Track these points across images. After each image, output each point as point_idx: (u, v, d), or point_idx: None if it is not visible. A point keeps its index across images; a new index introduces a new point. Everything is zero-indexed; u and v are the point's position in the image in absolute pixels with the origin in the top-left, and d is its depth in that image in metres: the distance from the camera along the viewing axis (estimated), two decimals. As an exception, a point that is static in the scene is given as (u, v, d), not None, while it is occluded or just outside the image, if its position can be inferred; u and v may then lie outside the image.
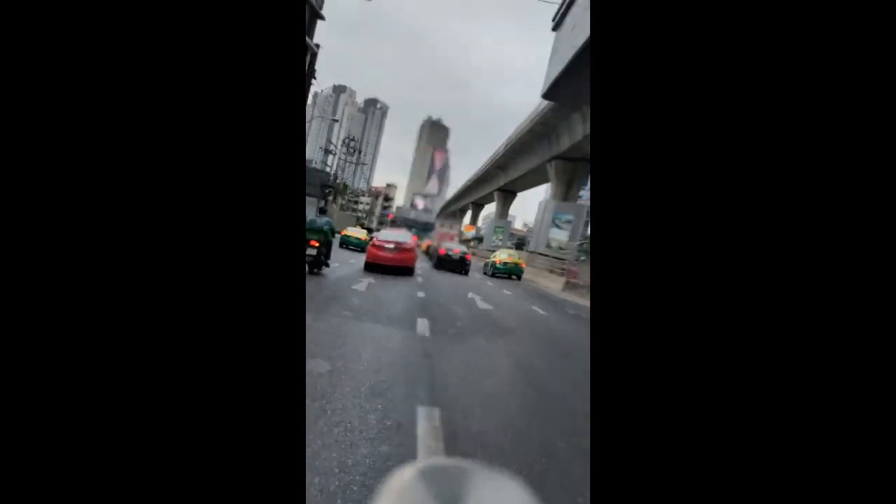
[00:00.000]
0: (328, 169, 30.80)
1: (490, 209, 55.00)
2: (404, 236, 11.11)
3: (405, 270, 10.48)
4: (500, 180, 36.05)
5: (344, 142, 32.41)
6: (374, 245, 10.36)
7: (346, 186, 50.03)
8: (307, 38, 11.39)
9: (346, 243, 19.14)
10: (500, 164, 33.77)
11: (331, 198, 28.27)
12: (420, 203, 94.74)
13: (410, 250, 10.52)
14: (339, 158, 29.55)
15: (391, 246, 10.31)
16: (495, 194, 39.16)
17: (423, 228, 53.12)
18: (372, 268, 10.15)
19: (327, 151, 29.48)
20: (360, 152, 30.59)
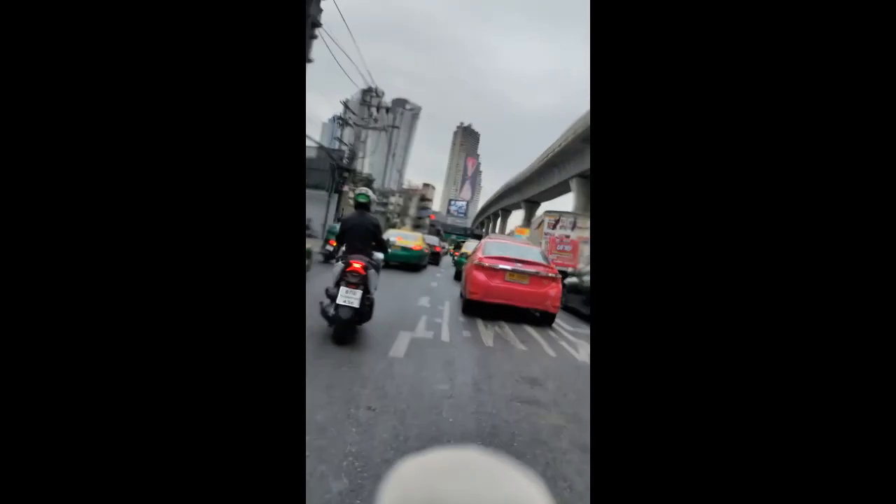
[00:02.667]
0: (343, 147, 21.49)
1: (518, 216, 59.58)
2: (531, 252, 6.79)
3: (544, 318, 6.23)
4: (527, 192, 40.80)
5: (364, 98, 21.29)
6: (481, 267, 6.03)
7: (370, 181, 40.11)
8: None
9: (390, 258, 15.61)
10: (528, 179, 38.55)
11: (347, 187, 20.68)
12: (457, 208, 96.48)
13: (553, 282, 6.11)
14: (357, 122, 20.83)
15: (518, 269, 5.98)
16: (522, 204, 43.94)
17: (461, 234, 56.73)
18: (476, 309, 6.15)
19: (343, 122, 19.93)
20: (389, 112, 22.26)
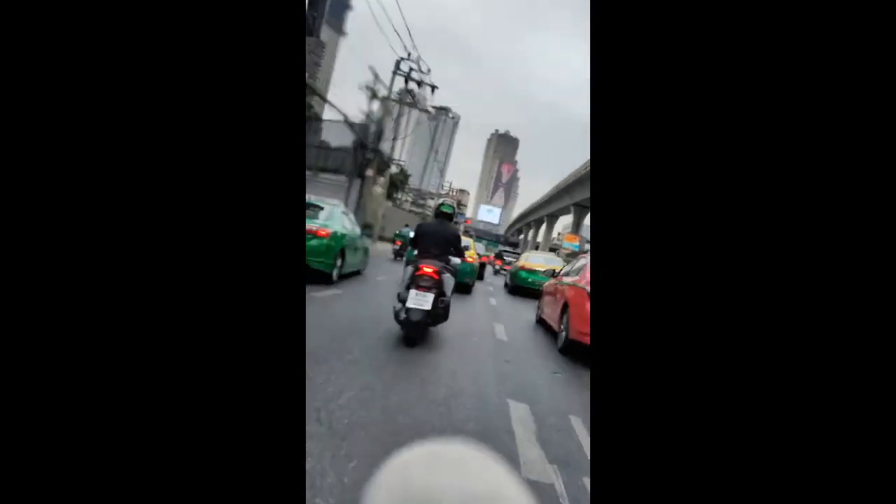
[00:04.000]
0: (370, 121, 17.29)
1: (565, 221, 55.43)
2: None
3: None
4: (578, 194, 36.94)
5: (398, 67, 16.92)
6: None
7: (405, 175, 35.49)
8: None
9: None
10: (579, 180, 34.75)
11: (370, 172, 17.11)
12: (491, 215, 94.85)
13: None
14: (394, 97, 16.97)
15: None
16: (571, 208, 40.00)
17: (494, 241, 53.89)
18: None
19: (372, 92, 16.30)
20: (434, 89, 17.79)
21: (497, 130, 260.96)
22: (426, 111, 17.47)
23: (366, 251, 7.83)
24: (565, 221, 59.37)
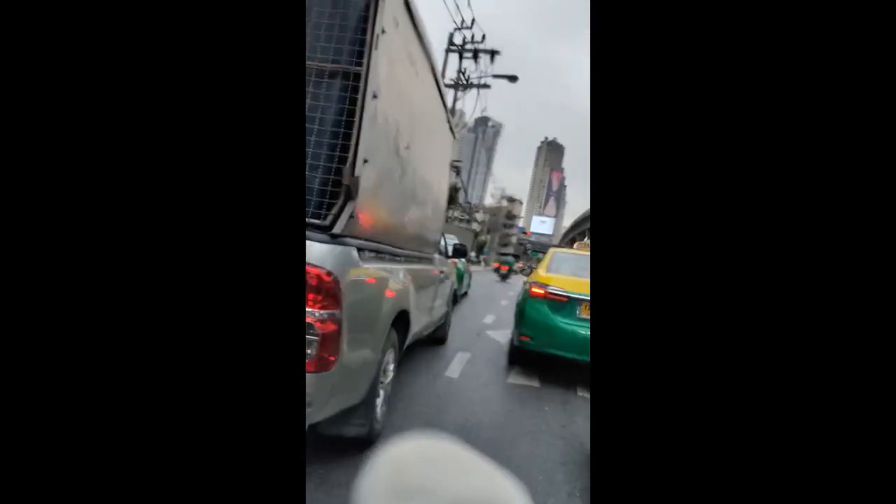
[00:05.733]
0: None
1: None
2: None
3: None
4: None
5: (452, 42, 13.75)
6: None
7: (455, 189, 30.73)
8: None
9: None
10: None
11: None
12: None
13: None
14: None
15: None
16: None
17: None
18: None
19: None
20: (494, 56, 14.11)
21: (547, 138, 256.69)
22: (485, 86, 14.76)
23: (470, 275, 8.37)
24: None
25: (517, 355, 4.39)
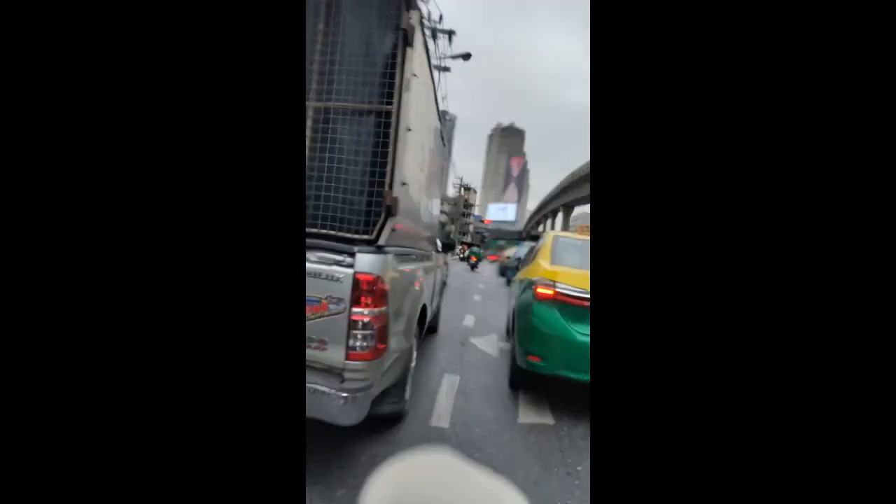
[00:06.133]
0: None
1: (581, 210, 52.39)
2: None
3: None
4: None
5: None
6: None
7: None
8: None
9: None
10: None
11: None
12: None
13: None
14: None
15: None
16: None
17: (515, 239, 51.33)
18: None
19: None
20: (452, 35, 14.62)
21: (500, 124, 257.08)
22: (445, 68, 14.87)
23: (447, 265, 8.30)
24: (581, 210, 56.33)
25: (521, 377, 3.32)
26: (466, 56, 14.36)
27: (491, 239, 45.76)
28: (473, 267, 20.77)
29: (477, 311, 7.55)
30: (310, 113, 1.96)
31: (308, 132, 1.95)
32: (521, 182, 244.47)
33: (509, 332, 4.43)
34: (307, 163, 1.93)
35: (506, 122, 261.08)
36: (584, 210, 59.18)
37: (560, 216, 53.39)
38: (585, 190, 38.88)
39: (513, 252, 16.62)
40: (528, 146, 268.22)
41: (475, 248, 24.15)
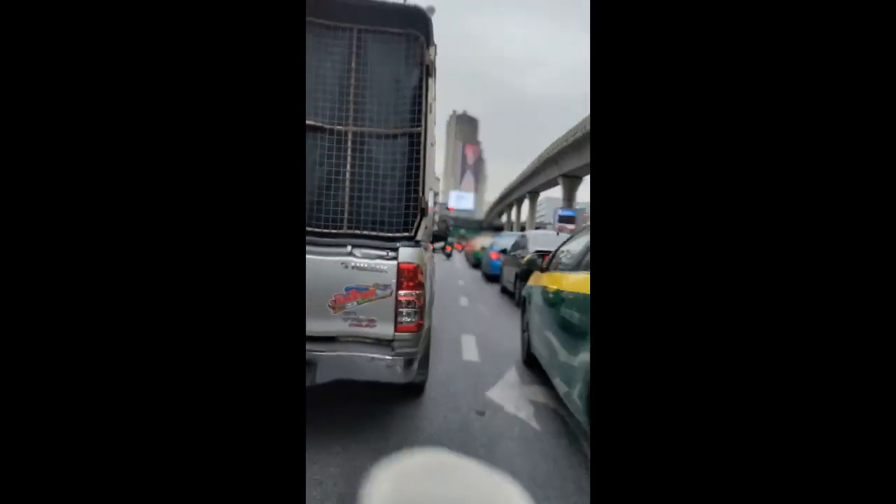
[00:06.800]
0: None
1: (546, 195, 51.40)
2: None
3: None
4: (566, 164, 32.69)
5: None
6: None
7: None
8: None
9: None
10: (568, 149, 30.48)
11: None
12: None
13: None
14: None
15: None
16: (560, 180, 35.82)
17: (475, 228, 49.80)
18: None
19: None
20: None
21: (455, 111, 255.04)
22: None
23: None
24: (545, 195, 55.40)
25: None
26: (430, 10, 12.42)
27: (454, 227, 44.18)
28: (448, 256, 20.81)
29: (469, 322, 5.53)
30: (349, 136, 2.29)
31: (349, 153, 2.29)
32: (477, 171, 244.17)
33: (527, 362, 3.67)
34: (348, 177, 2.29)
35: (460, 110, 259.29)
36: (548, 195, 58.25)
37: (526, 203, 52.19)
38: (551, 174, 37.58)
39: (488, 243, 14.75)
40: (483, 135, 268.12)
41: (450, 239, 23.40)
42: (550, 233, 8.84)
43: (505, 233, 16.38)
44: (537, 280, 3.41)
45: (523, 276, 6.89)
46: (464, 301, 7.48)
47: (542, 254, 3.70)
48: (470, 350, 4.21)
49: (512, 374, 3.51)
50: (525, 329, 3.80)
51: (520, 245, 7.97)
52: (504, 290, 8.85)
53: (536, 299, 3.25)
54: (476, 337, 4.74)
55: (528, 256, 3.88)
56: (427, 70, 2.31)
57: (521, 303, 4.04)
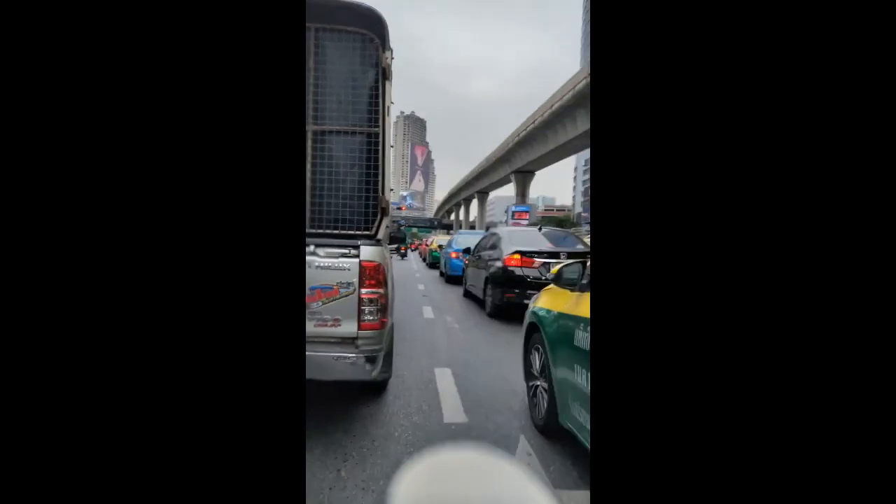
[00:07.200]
0: None
1: (495, 194, 51.17)
2: None
3: None
4: (518, 161, 32.11)
5: None
6: None
7: None
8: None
9: None
10: (519, 144, 29.88)
11: None
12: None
13: None
14: None
15: None
16: (512, 176, 35.22)
17: (426, 227, 48.69)
18: None
19: None
20: None
21: (403, 112, 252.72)
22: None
23: None
24: (495, 194, 55.21)
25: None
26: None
27: (406, 227, 42.95)
28: (403, 256, 20.60)
29: (441, 344, 4.27)
30: (309, 135, 2.30)
31: (309, 151, 2.30)
32: (427, 171, 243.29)
33: (547, 430, 2.36)
34: (309, 175, 2.29)
35: (408, 111, 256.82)
36: (497, 194, 58.04)
37: (475, 202, 51.51)
38: (503, 171, 36.88)
39: (445, 241, 13.47)
40: (431, 136, 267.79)
41: (406, 239, 22.88)
42: (531, 229, 7.21)
43: (464, 231, 15.05)
44: (574, 306, 2.07)
45: (498, 281, 5.69)
46: (429, 312, 6.15)
47: (576, 261, 2.29)
48: (450, 398, 2.88)
49: (525, 448, 2.21)
50: (539, 374, 2.47)
51: (488, 245, 6.66)
52: (468, 294, 7.78)
53: (576, 340, 1.93)
54: (453, 371, 3.42)
55: (559, 267, 2.44)
56: (384, 73, 2.35)
57: (527, 335, 2.69)
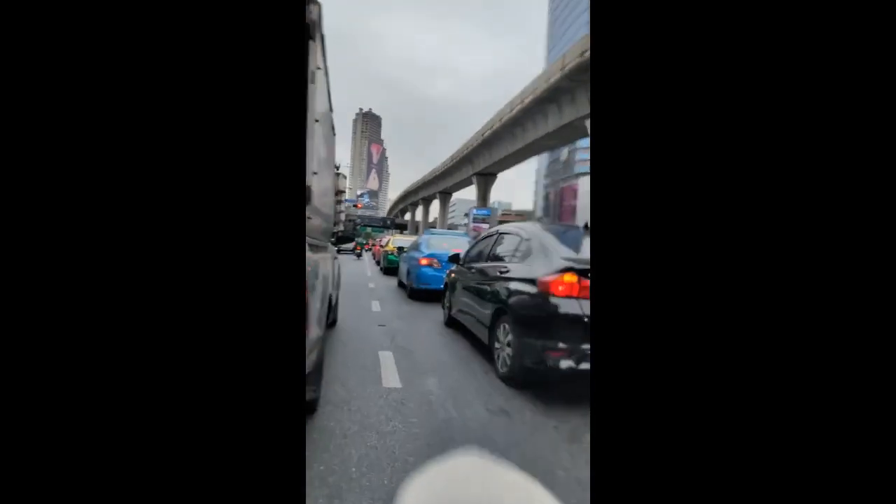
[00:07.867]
0: None
1: (458, 196, 50.72)
2: None
3: None
4: (480, 162, 31.75)
5: None
6: None
7: None
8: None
9: None
10: (482, 145, 29.49)
11: None
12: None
13: None
14: None
15: None
16: (474, 179, 34.85)
17: (380, 226, 47.42)
18: None
19: None
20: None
21: (361, 109, 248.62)
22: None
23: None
24: (457, 196, 54.78)
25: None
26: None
27: (362, 226, 41.57)
28: (359, 256, 20.57)
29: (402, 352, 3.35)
30: None
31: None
32: (381, 169, 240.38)
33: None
34: None
35: (365, 108, 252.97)
36: (458, 196, 57.61)
37: (435, 203, 50.84)
38: (466, 172, 36.46)
39: (406, 243, 11.59)
40: (386, 134, 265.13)
41: (360, 239, 23.21)
42: (570, 228, 4.46)
43: (437, 230, 12.18)
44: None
45: (530, 323, 3.06)
46: (393, 377, 3.25)
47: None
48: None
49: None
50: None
51: (491, 252, 4.28)
52: (453, 323, 5.17)
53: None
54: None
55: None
56: (307, 29, 2.05)
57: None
